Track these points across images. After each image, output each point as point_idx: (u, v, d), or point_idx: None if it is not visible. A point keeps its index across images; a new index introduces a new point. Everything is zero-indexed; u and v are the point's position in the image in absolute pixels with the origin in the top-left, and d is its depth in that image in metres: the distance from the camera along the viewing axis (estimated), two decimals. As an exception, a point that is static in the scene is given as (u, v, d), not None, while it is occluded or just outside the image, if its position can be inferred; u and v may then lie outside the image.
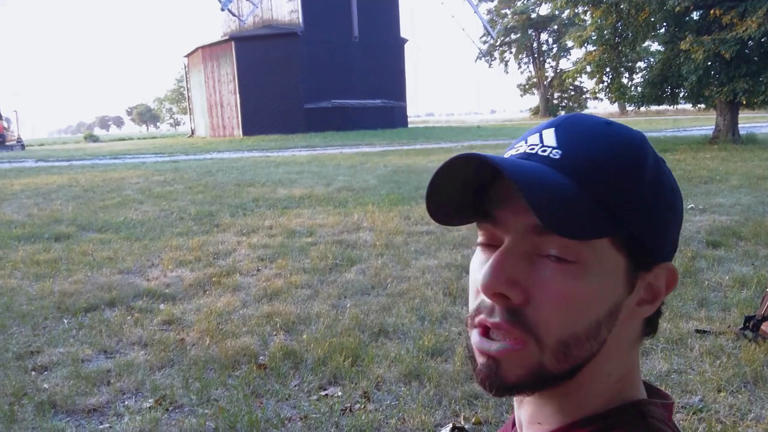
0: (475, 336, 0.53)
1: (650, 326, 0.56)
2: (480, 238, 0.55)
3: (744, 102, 14.67)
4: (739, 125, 15.96)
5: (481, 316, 0.52)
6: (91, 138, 42.85)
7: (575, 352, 0.50)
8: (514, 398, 0.59)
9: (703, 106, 16.59)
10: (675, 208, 0.54)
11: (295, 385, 2.86)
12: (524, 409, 0.58)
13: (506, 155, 0.54)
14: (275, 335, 3.48)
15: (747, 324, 3.20)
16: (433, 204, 0.53)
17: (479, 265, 0.54)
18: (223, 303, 4.05)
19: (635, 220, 0.50)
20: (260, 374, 2.95)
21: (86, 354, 3.28)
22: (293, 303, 4.01)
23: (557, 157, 0.50)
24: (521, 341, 0.50)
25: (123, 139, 42.41)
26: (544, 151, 0.51)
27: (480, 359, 0.52)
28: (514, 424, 0.62)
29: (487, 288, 0.50)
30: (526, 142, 0.54)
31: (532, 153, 0.52)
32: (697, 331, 3.27)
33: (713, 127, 16.44)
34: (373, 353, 3.14)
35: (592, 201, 0.48)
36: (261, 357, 3.18)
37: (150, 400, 2.73)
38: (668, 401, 0.57)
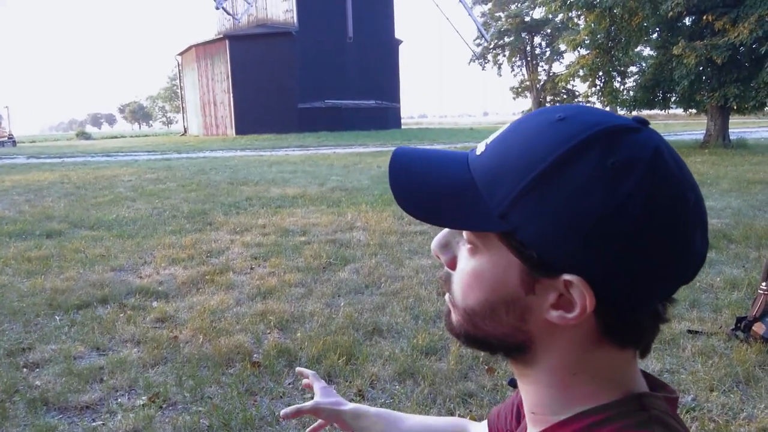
0: None
1: (612, 334, 0.52)
2: None
3: (735, 107, 14.81)
4: (729, 130, 16.10)
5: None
6: (83, 135, 42.64)
7: (480, 325, 0.55)
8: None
9: (694, 110, 16.70)
10: (625, 228, 0.46)
11: (289, 383, 2.85)
12: (523, 399, 0.60)
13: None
14: (269, 333, 3.48)
15: (738, 325, 3.23)
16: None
17: None
18: (216, 301, 4.03)
19: (531, 223, 0.48)
20: (254, 372, 2.95)
21: (78, 351, 3.27)
22: (287, 301, 4.01)
23: (476, 154, 0.54)
24: (451, 300, 0.58)
25: (115, 137, 42.27)
26: (477, 148, 0.55)
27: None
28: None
29: (432, 250, 0.60)
30: (490, 137, 0.55)
31: (475, 147, 0.56)
32: (690, 331, 3.29)
33: (704, 131, 16.57)
34: (367, 352, 3.14)
35: (478, 195, 0.51)
36: (255, 355, 3.17)
37: (143, 398, 2.72)
38: (672, 395, 0.56)
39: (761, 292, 3.19)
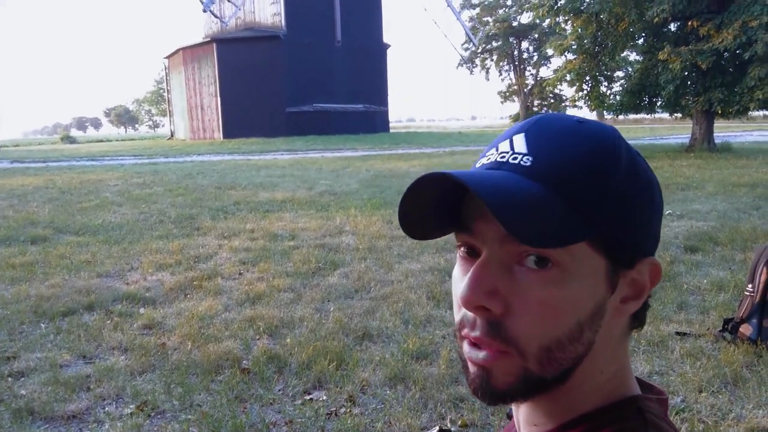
0: (465, 346, 0.53)
1: (637, 320, 0.56)
2: (460, 250, 0.55)
3: (719, 111, 14.97)
4: (714, 134, 16.27)
5: (465, 330, 0.53)
6: (68, 139, 42.22)
7: (559, 356, 0.50)
8: None
9: (679, 115, 16.87)
10: (653, 202, 0.53)
11: (279, 390, 2.83)
12: (521, 411, 0.58)
13: (477, 164, 0.55)
14: (258, 339, 3.45)
15: (726, 326, 3.25)
16: (407, 223, 0.54)
17: (460, 277, 0.54)
18: (204, 307, 4.00)
19: (612, 219, 0.49)
20: (244, 379, 2.92)
21: (64, 359, 3.22)
22: (276, 307, 3.98)
23: (528, 164, 0.50)
24: (504, 352, 0.50)
25: (101, 141, 41.88)
26: (515, 158, 0.51)
27: (472, 368, 0.53)
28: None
29: (468, 302, 0.50)
30: (497, 150, 0.53)
31: (503, 161, 0.51)
32: (678, 333, 3.31)
33: (689, 135, 16.74)
34: (357, 357, 3.12)
35: (564, 206, 0.48)
36: (244, 361, 3.14)
37: (131, 406, 2.68)
38: (662, 397, 0.57)
39: (747, 293, 3.21)
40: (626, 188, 0.50)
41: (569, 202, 0.48)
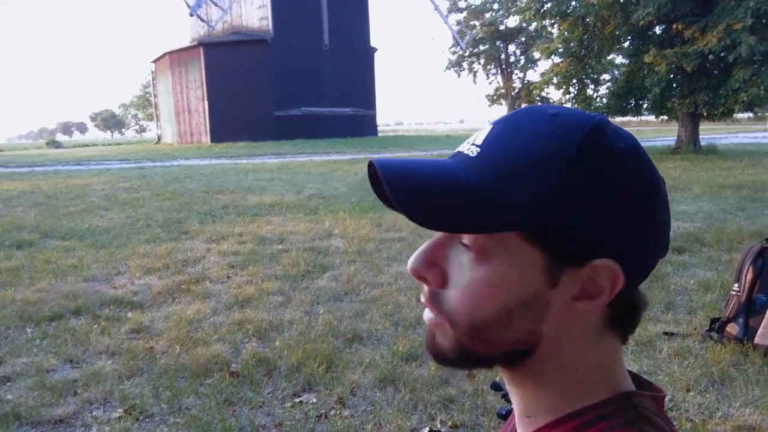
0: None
1: (618, 324, 0.53)
2: None
3: (704, 114, 15.13)
4: (700, 136, 16.44)
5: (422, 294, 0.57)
6: (54, 144, 41.88)
7: (490, 337, 0.51)
8: (510, 394, 0.59)
9: (665, 117, 17.05)
10: (630, 204, 0.49)
11: (268, 393, 2.82)
12: (515, 403, 0.59)
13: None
14: (247, 342, 3.44)
15: (713, 326, 3.29)
16: (379, 196, 0.58)
17: None
18: (193, 310, 3.97)
19: (556, 214, 0.48)
20: (233, 382, 2.91)
21: (51, 364, 3.19)
22: (265, 310, 3.97)
23: (473, 155, 0.51)
24: (439, 322, 0.54)
25: (87, 146, 41.55)
26: (469, 149, 0.52)
27: (425, 327, 0.57)
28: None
29: (411, 270, 0.54)
30: (468, 140, 0.55)
31: (460, 151, 0.53)
32: (665, 333, 3.34)
33: (675, 137, 16.90)
34: (347, 359, 3.12)
35: (488, 196, 0.48)
36: (233, 364, 3.13)
37: (119, 410, 2.66)
38: (659, 394, 0.57)
39: (733, 293, 3.25)
40: (588, 184, 0.48)
41: (501, 193, 0.48)
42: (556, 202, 0.47)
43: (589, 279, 0.50)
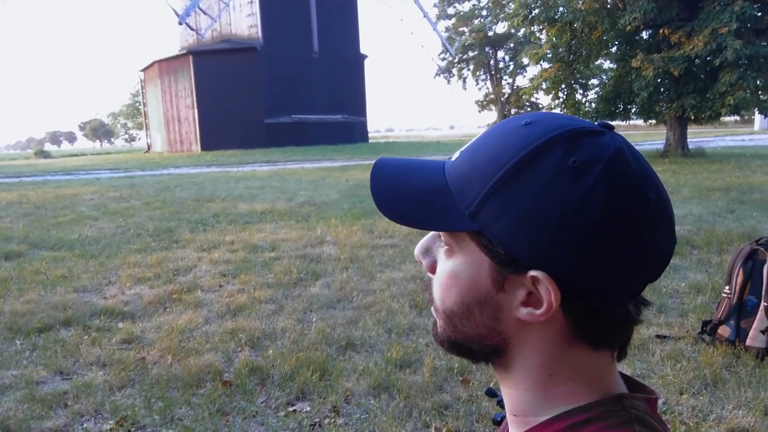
0: None
1: (587, 336, 0.53)
2: None
3: (692, 117, 15.24)
4: (688, 139, 16.57)
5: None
6: (42, 154, 41.59)
7: (459, 326, 0.56)
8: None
9: (653, 121, 17.15)
10: (585, 223, 0.47)
11: (262, 402, 2.80)
12: (507, 403, 0.60)
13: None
14: (240, 351, 3.41)
15: (704, 328, 3.30)
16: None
17: None
18: (184, 320, 3.94)
19: (498, 222, 0.50)
20: (226, 392, 2.88)
21: (41, 376, 3.15)
22: (258, 318, 3.95)
23: (451, 160, 0.57)
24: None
25: (76, 155, 41.28)
26: (453, 156, 0.57)
27: None
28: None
29: (415, 255, 0.61)
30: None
31: (449, 157, 0.59)
32: (658, 336, 3.35)
33: (664, 141, 17.02)
34: (341, 367, 3.10)
35: (446, 200, 0.53)
36: (226, 374, 3.10)
37: (110, 422, 2.63)
38: (651, 396, 0.57)
39: (725, 295, 3.26)
40: (516, 194, 0.49)
41: (459, 197, 0.53)
42: (491, 208, 0.50)
43: (528, 287, 0.51)
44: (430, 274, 0.60)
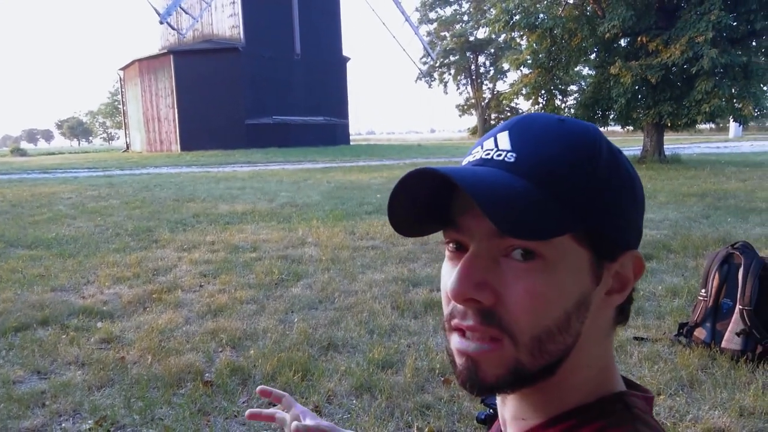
0: (454, 338, 0.54)
1: (622, 314, 0.57)
2: (448, 246, 0.56)
3: (668, 124, 15.52)
4: (664, 146, 16.85)
5: (455, 320, 0.53)
6: (18, 152, 40.84)
7: (550, 347, 0.51)
8: (497, 397, 0.59)
9: (631, 127, 17.40)
10: (635, 196, 0.54)
11: (243, 402, 2.79)
12: (507, 407, 0.58)
13: (464, 162, 0.56)
14: (221, 351, 3.39)
15: (681, 330, 3.36)
16: (396, 219, 0.55)
17: (448, 271, 0.55)
18: (164, 320, 3.91)
19: (594, 213, 0.50)
20: (207, 392, 2.87)
21: (18, 375, 3.10)
22: (239, 318, 3.93)
23: (512, 160, 0.51)
24: (497, 341, 0.51)
25: (53, 154, 40.64)
26: (500, 155, 0.52)
27: (459, 360, 0.53)
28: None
29: (457, 295, 0.51)
30: (482, 148, 0.54)
31: (487, 158, 0.52)
32: (635, 338, 3.40)
33: (641, 147, 17.28)
34: (323, 367, 3.10)
35: (547, 200, 0.49)
36: (207, 374, 3.08)
37: (89, 422, 2.60)
38: (648, 395, 0.58)
39: (701, 298, 3.33)
40: (608, 183, 0.51)
41: (552, 197, 0.49)
42: (593, 201, 0.51)
43: (617, 272, 0.54)
44: (490, 309, 0.51)
